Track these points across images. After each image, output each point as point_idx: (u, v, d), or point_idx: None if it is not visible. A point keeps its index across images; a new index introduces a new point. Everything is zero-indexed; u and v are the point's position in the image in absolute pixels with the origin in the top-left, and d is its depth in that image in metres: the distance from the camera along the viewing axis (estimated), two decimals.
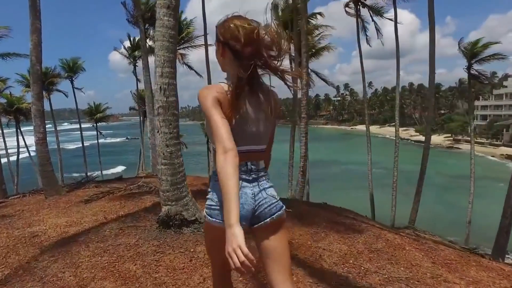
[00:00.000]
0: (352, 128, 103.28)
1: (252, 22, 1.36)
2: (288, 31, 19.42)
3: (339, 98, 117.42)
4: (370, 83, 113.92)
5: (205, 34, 18.46)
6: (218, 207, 1.37)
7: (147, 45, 23.32)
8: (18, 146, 26.85)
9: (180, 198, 3.81)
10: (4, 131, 25.78)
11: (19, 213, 6.19)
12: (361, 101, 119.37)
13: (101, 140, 38.85)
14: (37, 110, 7.31)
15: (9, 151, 25.40)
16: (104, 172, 34.59)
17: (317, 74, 24.19)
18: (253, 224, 1.44)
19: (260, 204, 1.41)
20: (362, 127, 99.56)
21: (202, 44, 21.45)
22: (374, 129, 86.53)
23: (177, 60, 17.36)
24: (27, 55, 18.95)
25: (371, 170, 20.66)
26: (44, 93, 25.48)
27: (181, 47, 23.04)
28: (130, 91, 31.11)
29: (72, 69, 28.84)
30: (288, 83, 1.47)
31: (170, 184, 3.74)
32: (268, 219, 1.42)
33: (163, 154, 3.70)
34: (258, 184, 1.43)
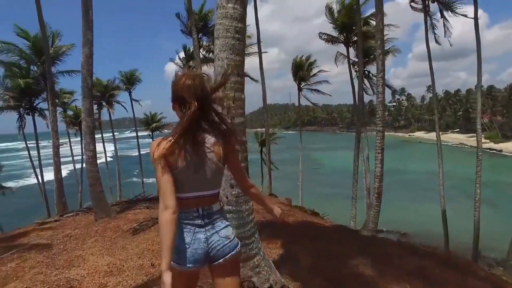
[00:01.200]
0: (410, 135, 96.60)
1: (196, 78, 1.49)
2: (345, 34, 18.01)
3: (394, 104, 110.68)
4: (429, 87, 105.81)
5: (259, 42, 17.55)
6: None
7: (201, 54, 23.41)
8: (82, 155, 28.33)
9: (249, 258, 2.71)
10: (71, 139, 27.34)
11: (65, 240, 5.65)
12: (419, 106, 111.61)
13: None
14: (87, 126, 6.80)
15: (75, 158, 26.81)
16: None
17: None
18: (210, 262, 1.56)
19: (213, 246, 1.53)
20: (421, 134, 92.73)
21: (255, 52, 20.63)
22: (435, 135, 79.64)
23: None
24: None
25: (443, 185, 17.99)
26: (104, 104, 26.78)
27: None
28: None
29: (130, 81, 29.86)
30: (224, 128, 1.54)
31: None
32: (221, 260, 1.54)
33: (226, 197, 2.63)
34: (212, 227, 1.54)
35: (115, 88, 25.92)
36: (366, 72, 19.63)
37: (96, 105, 28.41)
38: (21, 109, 20.72)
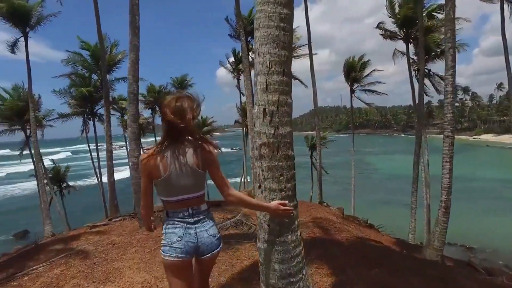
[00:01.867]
0: (474, 138, 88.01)
1: (176, 99, 1.77)
2: (405, 29, 16.53)
3: (457, 104, 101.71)
4: (500, 85, 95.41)
5: (309, 43, 16.83)
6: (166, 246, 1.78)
7: (250, 58, 23.30)
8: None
9: None
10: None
11: (109, 248, 5.58)
12: (486, 106, 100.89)
13: None
14: (133, 132, 6.75)
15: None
16: (209, 182, 36.23)
17: (440, 77, 20.12)
18: (199, 256, 1.83)
19: (202, 242, 1.80)
20: (488, 137, 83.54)
21: (305, 54, 19.93)
22: (507, 138, 71.24)
23: None
24: (141, 78, 20.54)
25: None
26: (157, 109, 27.87)
27: None
28: (236, 104, 31.65)
29: (182, 85, 30.81)
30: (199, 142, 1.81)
31: (278, 277, 2.14)
32: (208, 255, 1.83)
33: (268, 225, 2.13)
34: (201, 225, 1.81)
35: (167, 93, 26.84)
36: (426, 70, 17.93)
37: (150, 110, 29.82)
38: (84, 114, 22.37)
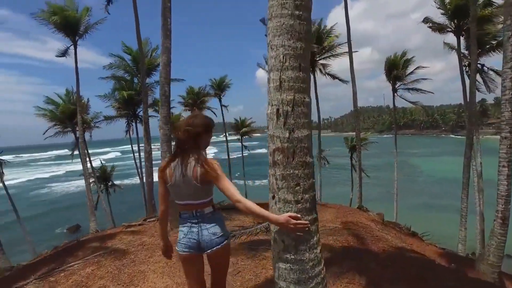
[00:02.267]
0: None
1: (188, 118, 2.13)
2: (456, 21, 15.23)
3: None
4: None
5: (349, 41, 16.12)
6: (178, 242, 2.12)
7: None
8: None
9: None
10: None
11: (139, 249, 5.63)
12: None
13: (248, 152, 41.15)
14: (164, 134, 6.79)
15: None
16: (248, 182, 36.58)
17: (496, 72, 18.33)
18: (203, 251, 2.09)
19: (202, 239, 2.05)
20: None
21: (345, 52, 19.23)
22: None
23: (317, 71, 15.60)
24: (180, 80, 21.02)
25: None
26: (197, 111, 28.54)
27: (322, 57, 21.52)
28: None
29: (220, 87, 31.20)
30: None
31: None
32: (208, 251, 2.06)
33: (283, 242, 1.88)
34: (203, 225, 2.06)
35: (205, 95, 27.31)
36: (479, 65, 16.42)
37: (190, 112, 30.56)
38: (128, 117, 23.47)
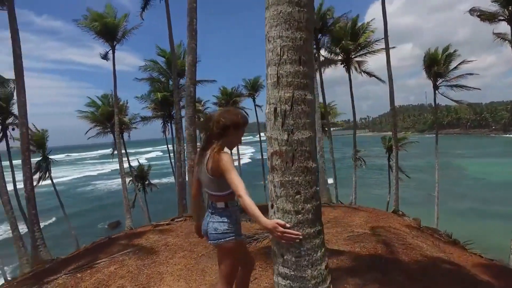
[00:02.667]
0: None
1: (208, 115, 2.21)
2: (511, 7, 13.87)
3: None
4: None
5: (386, 36, 15.32)
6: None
7: (321, 56, 22.40)
8: None
9: None
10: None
11: (162, 249, 5.67)
12: None
13: None
14: (189, 134, 6.80)
15: None
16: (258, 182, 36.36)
17: None
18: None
19: (207, 229, 2.15)
20: None
21: (382, 48, 18.41)
22: None
23: (353, 69, 15.07)
24: (214, 80, 21.30)
25: None
26: None
27: (358, 54, 20.76)
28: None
29: (254, 87, 31.19)
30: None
31: None
32: (210, 241, 2.16)
33: (282, 256, 1.69)
34: (212, 217, 2.12)
35: (238, 95, 27.43)
36: None
37: None
38: (163, 117, 24.21)
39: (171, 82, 20.40)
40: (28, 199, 9.98)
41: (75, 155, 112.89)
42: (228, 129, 1.99)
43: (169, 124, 24.64)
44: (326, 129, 22.39)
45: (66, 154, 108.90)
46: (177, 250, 5.41)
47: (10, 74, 14.65)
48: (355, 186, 20.33)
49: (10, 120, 18.53)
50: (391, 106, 14.77)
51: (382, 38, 16.47)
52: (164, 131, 25.55)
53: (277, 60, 1.60)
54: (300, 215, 1.63)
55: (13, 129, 19.33)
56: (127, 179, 27.31)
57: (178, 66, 17.07)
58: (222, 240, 2.07)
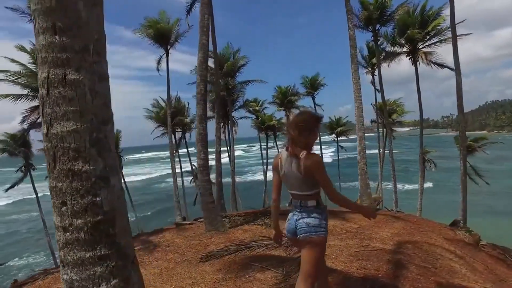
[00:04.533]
0: None
1: (293, 116, 2.30)
2: None
3: None
4: None
5: (452, 14, 13.17)
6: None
7: (380, 48, 20.50)
8: (267, 158, 31.00)
9: None
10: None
11: (161, 249, 5.59)
12: None
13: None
14: (199, 133, 6.62)
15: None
16: (343, 184, 34.55)
17: None
18: (296, 236, 2.23)
19: (297, 226, 2.21)
20: None
21: (463, 35, 16.17)
22: None
23: (420, 60, 13.73)
24: (262, 80, 21.06)
25: None
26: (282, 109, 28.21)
27: (426, 44, 18.49)
28: (371, 104, 28.61)
29: (313, 86, 30.14)
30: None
31: None
32: (299, 236, 2.20)
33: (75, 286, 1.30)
34: (304, 214, 2.21)
35: (293, 94, 26.76)
36: None
37: (284, 112, 30.25)
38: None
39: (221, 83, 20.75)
40: None
41: (149, 154, 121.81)
42: (303, 131, 2.14)
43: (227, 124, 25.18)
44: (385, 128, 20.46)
45: (140, 154, 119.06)
46: (171, 252, 5.28)
47: None
48: (421, 191, 18.10)
49: None
50: (458, 101, 12.70)
51: (462, 21, 14.38)
52: (224, 131, 26.21)
53: (37, 30, 1.23)
54: (68, 233, 1.23)
55: None
56: (189, 178, 28.86)
57: (227, 67, 17.31)
58: (314, 234, 2.16)
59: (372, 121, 33.42)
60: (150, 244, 6.22)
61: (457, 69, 12.59)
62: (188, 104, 26.63)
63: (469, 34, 16.05)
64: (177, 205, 17.66)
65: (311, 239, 2.16)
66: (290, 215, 2.30)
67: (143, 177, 58.37)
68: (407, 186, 38.96)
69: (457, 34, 17.27)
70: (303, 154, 2.11)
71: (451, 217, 11.57)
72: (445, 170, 37.93)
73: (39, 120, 17.18)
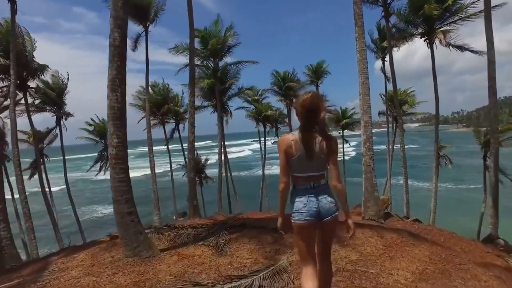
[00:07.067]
0: None
1: (308, 96, 2.16)
2: None
3: None
4: None
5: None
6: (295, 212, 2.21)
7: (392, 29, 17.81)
8: (265, 153, 28.76)
9: None
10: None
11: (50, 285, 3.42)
12: None
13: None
14: (111, 107, 4.42)
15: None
16: (349, 179, 32.16)
17: None
18: (321, 219, 2.20)
19: (322, 207, 2.18)
20: None
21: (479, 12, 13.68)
22: None
23: (438, 41, 11.52)
24: (255, 61, 18.64)
25: None
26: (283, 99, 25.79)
27: (446, 22, 15.72)
28: (379, 94, 25.98)
29: (317, 74, 27.77)
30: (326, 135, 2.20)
31: None
32: (329, 217, 2.19)
33: None
34: (320, 194, 2.20)
35: (292, 80, 24.30)
36: None
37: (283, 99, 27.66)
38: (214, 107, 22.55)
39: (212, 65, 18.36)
40: None
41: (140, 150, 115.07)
42: (315, 113, 2.14)
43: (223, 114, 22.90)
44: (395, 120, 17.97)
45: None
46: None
47: None
48: (435, 191, 15.69)
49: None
50: (489, 97, 10.22)
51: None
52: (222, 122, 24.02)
53: None
54: None
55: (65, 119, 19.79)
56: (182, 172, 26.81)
57: (211, 45, 14.97)
58: (339, 211, 2.25)
59: (380, 113, 30.71)
60: (29, 279, 4.00)
61: (489, 43, 10.12)
62: (183, 93, 24.49)
63: (502, 4, 13.13)
64: (155, 204, 15.57)
65: (337, 216, 2.23)
66: (302, 199, 2.20)
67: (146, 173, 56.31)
68: (416, 184, 36.49)
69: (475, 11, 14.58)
70: (324, 134, 2.16)
71: (467, 218, 9.25)
72: (456, 168, 35.55)
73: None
